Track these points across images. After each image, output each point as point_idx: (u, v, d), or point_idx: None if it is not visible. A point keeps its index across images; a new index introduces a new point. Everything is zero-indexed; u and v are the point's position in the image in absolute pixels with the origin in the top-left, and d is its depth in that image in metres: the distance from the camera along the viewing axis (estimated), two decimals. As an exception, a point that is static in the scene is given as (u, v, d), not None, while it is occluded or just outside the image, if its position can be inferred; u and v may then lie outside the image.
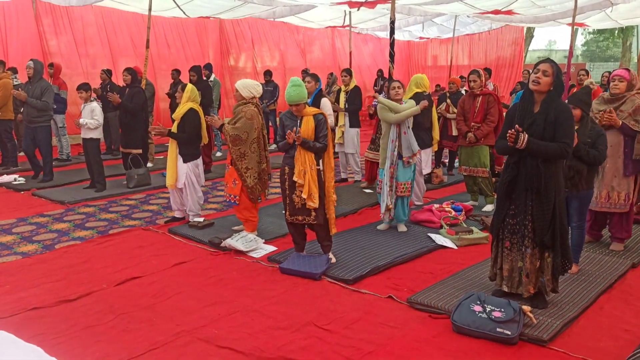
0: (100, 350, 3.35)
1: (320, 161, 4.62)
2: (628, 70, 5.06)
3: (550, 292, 3.83)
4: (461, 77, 9.54)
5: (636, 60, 28.27)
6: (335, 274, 4.43)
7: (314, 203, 4.49)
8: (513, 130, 3.55)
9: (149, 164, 8.77)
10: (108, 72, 10.15)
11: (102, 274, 4.55)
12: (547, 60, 3.69)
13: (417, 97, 5.99)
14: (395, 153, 5.47)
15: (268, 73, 11.70)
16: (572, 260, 3.88)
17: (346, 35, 17.68)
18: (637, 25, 27.55)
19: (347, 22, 13.61)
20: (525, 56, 22.77)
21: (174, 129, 5.77)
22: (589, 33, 35.49)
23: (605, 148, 4.38)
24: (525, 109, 3.68)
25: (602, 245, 5.21)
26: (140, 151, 7.82)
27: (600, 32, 33.11)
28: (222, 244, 5.13)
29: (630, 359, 3.09)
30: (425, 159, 6.55)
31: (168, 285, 4.33)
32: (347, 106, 7.72)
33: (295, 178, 4.52)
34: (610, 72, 10.01)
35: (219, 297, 4.11)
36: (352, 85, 7.83)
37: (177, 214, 6.10)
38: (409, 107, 5.46)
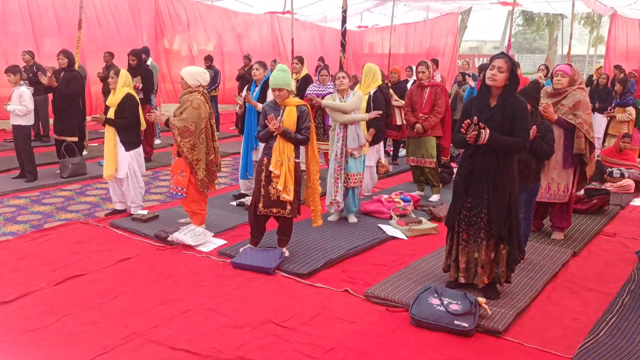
0: (42, 356, 3.13)
1: (301, 154, 4.55)
2: (570, 65, 5.24)
3: (504, 282, 3.93)
4: (409, 67, 9.59)
5: (561, 52, 29.73)
6: (290, 268, 4.36)
7: (289, 195, 4.39)
8: (474, 126, 3.57)
9: (85, 152, 8.31)
10: (31, 54, 9.49)
11: (39, 273, 4.26)
12: (502, 55, 3.72)
13: (378, 92, 6.08)
14: (341, 145, 5.44)
15: (209, 58, 11.36)
16: (524, 251, 3.99)
17: (285, 22, 17.49)
18: (562, 19, 28.92)
19: (287, 8, 13.36)
20: (459, 46, 23.35)
21: (110, 115, 5.46)
22: (517, 25, 36.89)
23: (553, 142, 4.52)
24: (482, 103, 3.72)
25: (543, 234, 5.42)
26: (76, 139, 7.39)
27: (527, 24, 34.51)
28: (169, 238, 4.92)
29: (581, 349, 3.22)
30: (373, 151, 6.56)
31: (113, 284, 4.11)
32: (296, 95, 7.60)
33: (271, 168, 4.39)
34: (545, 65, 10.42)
35: (170, 295, 3.94)
36: (303, 74, 7.72)
37: (118, 206, 5.81)
38: (356, 101, 5.44)
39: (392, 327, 3.53)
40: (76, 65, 7.97)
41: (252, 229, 4.69)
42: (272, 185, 4.44)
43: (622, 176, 7.40)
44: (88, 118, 7.39)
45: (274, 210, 4.49)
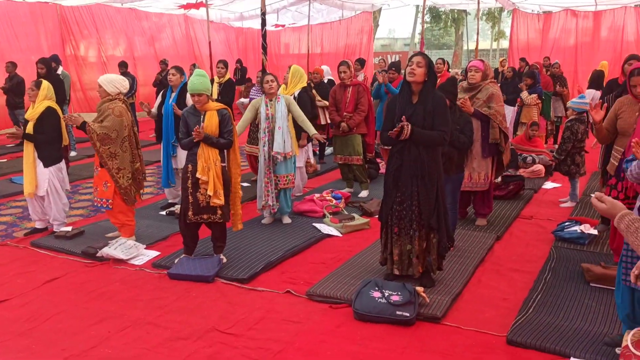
0: (-28, 391, 2.92)
1: (225, 157, 4.51)
2: (482, 61, 5.55)
3: (436, 270, 4.10)
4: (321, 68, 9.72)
5: (467, 47, 31.28)
6: (229, 274, 4.32)
7: (220, 200, 4.34)
8: (399, 125, 3.73)
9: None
10: None
11: (-43, 302, 3.96)
12: (419, 53, 3.95)
13: (303, 93, 6.11)
14: (267, 149, 5.44)
15: (123, 64, 10.95)
16: (453, 239, 4.19)
17: (200, 24, 17.16)
18: (466, 15, 30.42)
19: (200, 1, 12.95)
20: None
21: (28, 129, 5.16)
22: (425, 22, 38.34)
23: (471, 134, 4.78)
24: (405, 100, 3.89)
25: (468, 221, 5.70)
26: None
27: (435, 21, 35.98)
28: (98, 254, 4.73)
29: (514, 326, 3.43)
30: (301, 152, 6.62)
31: (43, 306, 3.89)
32: (220, 98, 7.50)
33: (198, 175, 4.32)
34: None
35: (105, 313, 3.79)
36: (226, 77, 7.64)
37: (38, 225, 5.50)
38: (288, 102, 5.49)
39: (337, 324, 3.60)
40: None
41: (185, 238, 4.60)
42: (200, 192, 4.38)
43: (534, 162, 7.92)
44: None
45: (205, 216, 4.43)
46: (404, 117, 3.75)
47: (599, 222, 5.35)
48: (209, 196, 4.34)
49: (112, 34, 15.01)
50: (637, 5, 14.57)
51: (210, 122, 4.38)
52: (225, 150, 4.53)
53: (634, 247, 1.80)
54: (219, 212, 4.42)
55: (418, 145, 3.83)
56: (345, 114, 6.48)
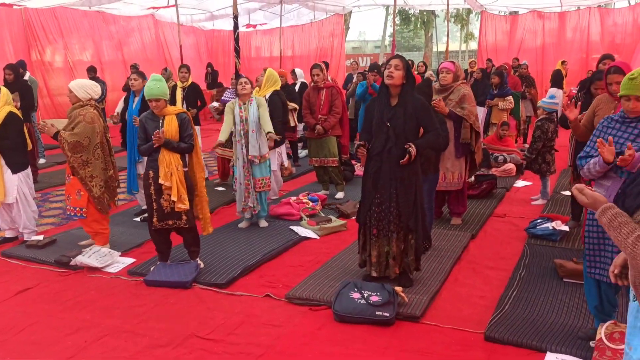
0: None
1: (187, 162, 4.46)
2: (453, 62, 5.63)
3: (414, 270, 4.14)
4: (293, 71, 9.74)
5: (437, 49, 31.71)
6: (207, 280, 4.29)
7: (184, 205, 4.29)
8: (407, 156, 3.80)
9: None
10: None
11: None
12: (397, 55, 3.97)
13: (274, 95, 6.10)
14: (244, 151, 5.42)
15: (92, 69, 10.80)
16: (431, 239, 4.24)
17: (169, 27, 16.97)
18: (435, 18, 30.84)
19: (171, 3, 12.77)
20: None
21: None
22: (396, 24, 38.72)
23: (447, 134, 4.83)
24: (384, 103, 3.91)
25: (443, 221, 5.77)
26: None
27: (404, 23, 36.34)
28: (71, 263, 4.64)
29: (491, 323, 3.49)
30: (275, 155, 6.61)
31: (16, 317, 3.80)
32: (184, 104, 7.44)
33: (161, 181, 4.26)
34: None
35: (82, 322, 3.72)
36: (189, 82, 7.57)
37: (9, 234, 5.36)
38: (259, 104, 5.48)
39: (318, 326, 3.60)
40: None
41: (157, 245, 4.55)
42: (163, 198, 4.33)
43: (505, 161, 8.06)
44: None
45: (170, 222, 4.38)
46: (409, 144, 3.80)
47: (570, 218, 5.48)
48: (173, 202, 4.29)
49: (79, 38, 14.72)
50: (599, 6, 14.99)
51: (170, 127, 4.32)
52: (186, 155, 4.49)
53: (616, 242, 1.82)
54: (184, 217, 4.37)
55: (399, 148, 3.86)
56: (319, 116, 6.49)
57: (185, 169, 4.41)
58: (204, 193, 4.62)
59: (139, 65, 11.44)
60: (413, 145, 3.79)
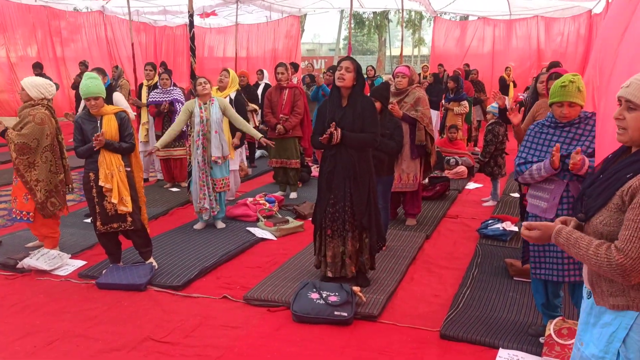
0: None
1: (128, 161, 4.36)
2: (408, 67, 5.74)
3: (369, 269, 4.20)
4: (260, 70, 9.69)
5: (390, 53, 32.14)
6: (162, 282, 4.21)
7: (127, 207, 4.19)
8: (328, 131, 3.81)
9: None
10: None
11: None
12: (348, 58, 4.04)
13: (239, 95, 6.10)
14: (200, 151, 5.35)
15: (38, 66, 10.41)
16: (385, 239, 4.30)
17: (118, 24, 16.53)
18: (389, 22, 31.29)
19: None
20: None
21: None
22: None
23: (401, 138, 4.93)
24: (335, 104, 3.97)
25: (399, 222, 5.87)
26: None
27: (359, 27, 36.69)
28: (18, 265, 4.46)
29: (446, 321, 3.57)
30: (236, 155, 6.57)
31: (-42, 324, 3.62)
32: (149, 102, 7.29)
33: (101, 183, 4.14)
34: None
35: (30, 327, 3.58)
36: (155, 80, 7.43)
37: (-51, 236, 5.11)
38: (223, 105, 5.45)
39: (276, 327, 3.59)
40: None
41: (105, 248, 4.44)
42: (107, 200, 4.22)
43: (457, 164, 8.27)
44: None
45: (115, 225, 4.28)
46: (333, 123, 3.83)
47: (519, 219, 5.66)
48: (115, 204, 4.19)
49: (23, 33, 14.12)
50: (543, 15, 15.57)
51: (109, 127, 4.21)
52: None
53: (579, 258, 1.85)
54: (129, 219, 4.28)
55: (350, 148, 3.92)
56: (281, 116, 6.48)
57: (128, 169, 4.30)
58: (142, 194, 4.51)
59: (89, 62, 11.07)
60: (340, 131, 3.84)
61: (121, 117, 4.28)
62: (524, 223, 2.03)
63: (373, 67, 12.84)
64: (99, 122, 4.22)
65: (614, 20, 2.76)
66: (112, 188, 4.16)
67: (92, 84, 4.14)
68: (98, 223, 4.26)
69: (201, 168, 5.34)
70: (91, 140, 4.14)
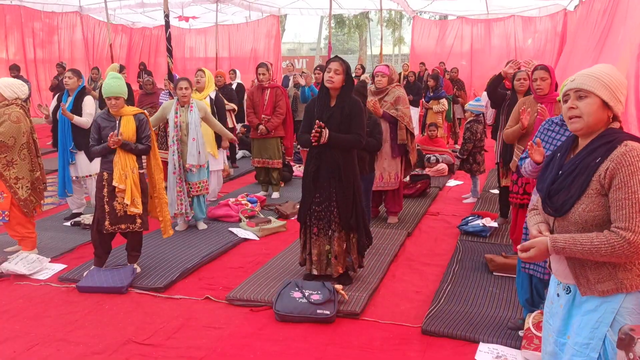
0: None
1: (146, 163, 4.37)
2: (388, 66, 5.78)
3: (357, 268, 4.22)
4: (233, 70, 9.67)
5: (370, 52, 32.24)
6: (144, 284, 4.18)
7: (138, 208, 4.18)
8: (316, 129, 3.81)
9: None
10: None
11: None
12: (336, 58, 4.00)
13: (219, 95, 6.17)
14: (176, 157, 5.29)
15: (15, 67, 10.25)
16: (372, 237, 4.33)
17: (97, 25, 16.37)
18: (369, 22, 31.39)
19: None
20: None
21: None
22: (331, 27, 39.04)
23: (381, 136, 4.97)
24: (323, 103, 3.97)
25: (380, 219, 5.91)
26: None
27: (339, 27, 36.75)
28: (-4, 270, 4.40)
29: (428, 317, 3.61)
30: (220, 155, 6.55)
31: None
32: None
33: (115, 183, 4.13)
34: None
35: (9, 332, 3.54)
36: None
37: None
38: (203, 111, 5.44)
39: (259, 326, 3.60)
40: None
41: (97, 249, 4.39)
42: (117, 201, 4.21)
43: (438, 161, 8.34)
44: None
45: (123, 226, 4.26)
46: (321, 123, 3.83)
47: (498, 215, 5.74)
48: (127, 205, 4.18)
49: (-2, 34, 13.93)
50: (520, 14, 15.78)
51: (127, 128, 4.21)
52: (143, 156, 4.39)
53: (585, 254, 1.84)
54: (139, 220, 4.27)
55: (335, 148, 3.93)
56: (263, 116, 6.47)
57: (141, 172, 4.30)
58: (164, 195, 4.51)
59: (66, 63, 10.94)
60: (328, 132, 3.85)
61: (140, 119, 4.28)
62: (519, 246, 2.03)
63: (362, 66, 12.86)
64: (117, 122, 4.21)
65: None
66: (125, 189, 4.15)
67: (115, 83, 4.16)
68: (106, 223, 4.22)
69: (177, 173, 5.30)
70: (107, 140, 4.13)
